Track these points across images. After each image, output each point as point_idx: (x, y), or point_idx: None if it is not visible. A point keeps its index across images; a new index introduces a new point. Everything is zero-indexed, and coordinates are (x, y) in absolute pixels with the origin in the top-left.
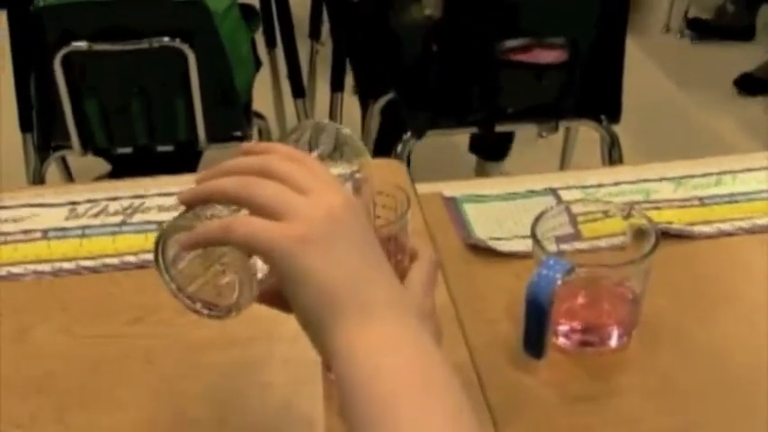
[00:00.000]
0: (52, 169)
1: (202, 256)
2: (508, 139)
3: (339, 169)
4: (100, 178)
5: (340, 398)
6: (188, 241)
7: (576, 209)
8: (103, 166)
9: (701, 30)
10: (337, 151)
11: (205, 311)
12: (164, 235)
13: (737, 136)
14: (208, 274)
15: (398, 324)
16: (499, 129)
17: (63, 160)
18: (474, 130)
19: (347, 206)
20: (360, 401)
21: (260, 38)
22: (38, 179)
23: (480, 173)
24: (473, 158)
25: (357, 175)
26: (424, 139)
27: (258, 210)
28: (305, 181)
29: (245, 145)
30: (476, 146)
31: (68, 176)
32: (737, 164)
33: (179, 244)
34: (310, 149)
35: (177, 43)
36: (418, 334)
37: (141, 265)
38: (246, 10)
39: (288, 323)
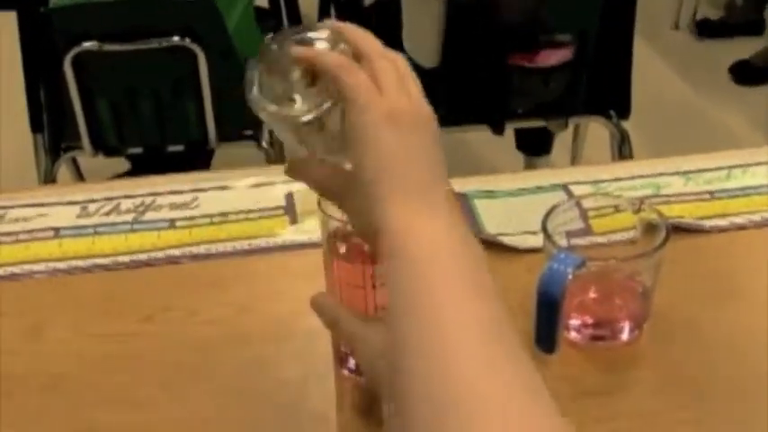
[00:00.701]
0: (63, 170)
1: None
2: (550, 134)
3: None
4: (117, 177)
5: (383, 276)
6: (304, 54)
7: (586, 204)
8: (114, 167)
9: (709, 26)
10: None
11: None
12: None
13: (747, 130)
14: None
15: (452, 224)
16: (509, 126)
17: (74, 161)
18: (485, 127)
19: (431, 117)
20: (401, 284)
21: None
22: (49, 180)
23: (529, 169)
24: (487, 156)
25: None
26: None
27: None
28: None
29: (336, 25)
30: (521, 144)
31: (79, 177)
32: (748, 158)
33: (294, 52)
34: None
35: (187, 43)
36: (469, 238)
37: (153, 264)
38: (259, 12)
39: (300, 321)
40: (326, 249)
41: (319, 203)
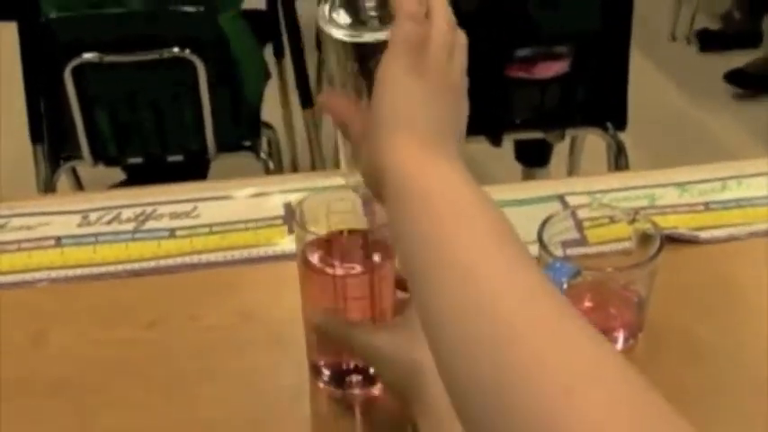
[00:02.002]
0: (62, 180)
1: None
2: (548, 145)
3: None
4: (113, 187)
5: (388, 214)
6: None
7: (581, 214)
8: (114, 177)
9: (707, 38)
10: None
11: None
12: None
13: (744, 142)
14: None
15: (463, 170)
16: (507, 138)
17: (73, 171)
18: (482, 138)
19: (462, 89)
20: (410, 217)
21: (268, 49)
22: (48, 190)
23: (527, 180)
24: (485, 167)
25: None
26: None
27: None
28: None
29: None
30: (520, 155)
31: (79, 187)
32: (743, 169)
33: None
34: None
35: (187, 54)
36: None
37: (154, 272)
38: (256, 21)
39: (299, 328)
40: (301, 262)
41: (296, 216)
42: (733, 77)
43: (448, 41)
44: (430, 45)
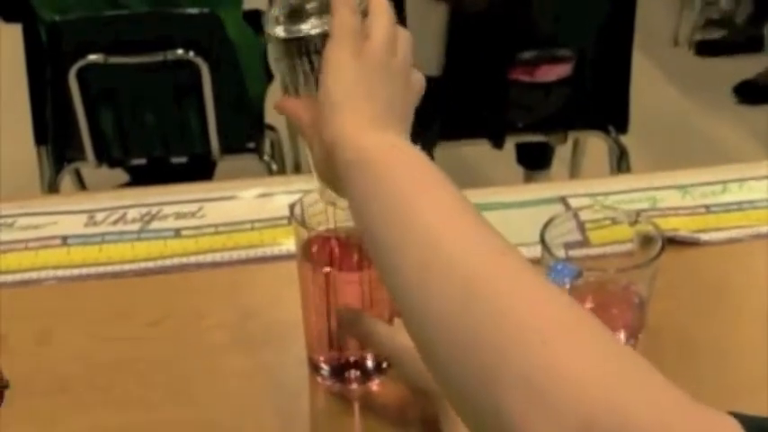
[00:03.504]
0: (66, 182)
1: None
2: (550, 148)
3: None
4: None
5: (345, 192)
6: None
7: (584, 216)
8: (117, 179)
9: (709, 42)
10: None
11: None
12: None
13: (745, 146)
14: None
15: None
16: (509, 141)
17: (77, 173)
18: (485, 141)
19: (406, 72)
20: (367, 189)
21: None
22: (52, 191)
23: (529, 182)
24: (487, 170)
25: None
26: (438, 149)
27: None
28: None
29: None
30: (522, 158)
31: (82, 189)
32: (743, 172)
33: None
34: None
35: (191, 56)
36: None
37: (159, 271)
38: (258, 22)
39: (302, 327)
40: (300, 259)
41: (295, 213)
42: (743, 89)
43: (390, 33)
44: (373, 35)
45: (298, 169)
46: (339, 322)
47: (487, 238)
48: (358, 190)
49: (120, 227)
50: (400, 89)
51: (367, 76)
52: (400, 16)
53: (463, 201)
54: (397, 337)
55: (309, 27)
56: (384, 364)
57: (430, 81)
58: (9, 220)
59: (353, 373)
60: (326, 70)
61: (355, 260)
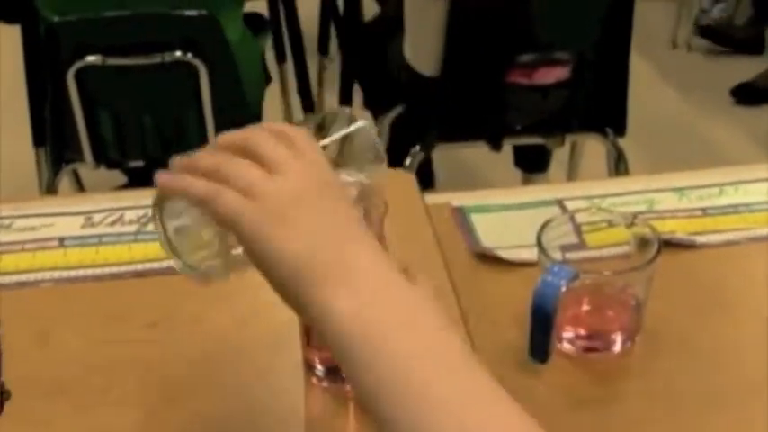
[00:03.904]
0: (64, 183)
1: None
2: (548, 151)
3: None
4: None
5: (336, 357)
6: (170, 184)
7: (580, 218)
8: (115, 180)
9: (708, 44)
10: (348, 143)
11: (187, 271)
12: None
13: (743, 149)
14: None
15: (386, 282)
16: (507, 143)
17: (75, 174)
18: (483, 144)
19: (321, 183)
20: (360, 365)
21: (269, 53)
22: (50, 193)
23: (526, 185)
24: (485, 172)
25: (365, 181)
26: (437, 151)
27: (232, 186)
28: (281, 158)
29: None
30: (519, 160)
31: (80, 190)
32: (740, 175)
33: (161, 186)
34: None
35: (189, 58)
36: (408, 290)
37: (157, 273)
38: (257, 24)
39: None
40: None
41: None
42: (740, 91)
43: (272, 147)
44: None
45: None
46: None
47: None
48: (350, 361)
49: (117, 228)
50: (332, 199)
51: (298, 229)
52: (400, 13)
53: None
54: None
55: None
56: None
57: (428, 83)
58: (6, 222)
59: None
60: (257, 262)
61: None
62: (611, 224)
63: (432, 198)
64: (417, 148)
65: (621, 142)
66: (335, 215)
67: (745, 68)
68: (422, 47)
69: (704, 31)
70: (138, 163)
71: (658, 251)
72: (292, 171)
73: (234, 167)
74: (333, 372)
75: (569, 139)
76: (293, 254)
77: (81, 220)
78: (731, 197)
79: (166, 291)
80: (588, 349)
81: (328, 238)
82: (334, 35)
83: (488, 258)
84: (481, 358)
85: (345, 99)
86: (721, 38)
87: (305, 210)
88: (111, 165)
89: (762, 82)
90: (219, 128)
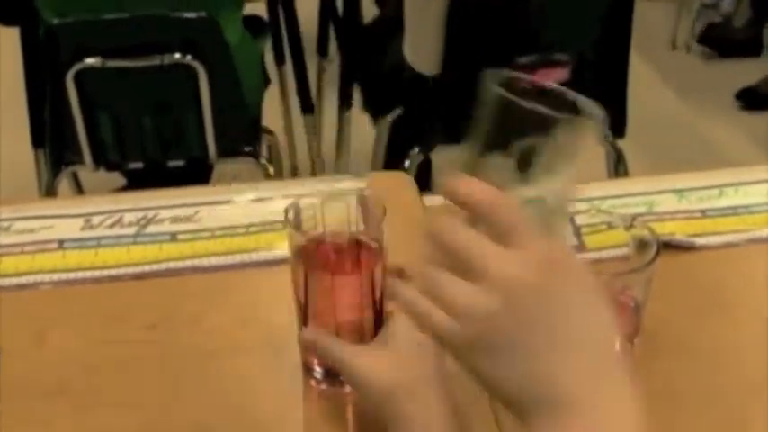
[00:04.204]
0: (63, 185)
1: None
2: None
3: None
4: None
5: None
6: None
7: (579, 220)
8: (115, 182)
9: (707, 46)
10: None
11: None
12: None
13: (744, 150)
14: None
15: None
16: None
17: (74, 176)
18: None
19: (529, 289)
20: None
21: (268, 55)
22: (50, 195)
23: None
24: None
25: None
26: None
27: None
28: (485, 265)
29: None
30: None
31: (80, 192)
32: (739, 177)
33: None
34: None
35: (188, 60)
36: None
37: (156, 275)
38: (256, 26)
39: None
40: (293, 263)
41: (289, 217)
42: (744, 96)
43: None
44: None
45: (294, 173)
46: (305, 345)
47: None
48: None
49: (116, 231)
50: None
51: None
52: (399, 15)
53: None
54: (354, 364)
55: None
56: None
57: (428, 84)
58: (5, 224)
59: None
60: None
61: (348, 264)
62: (610, 226)
63: (431, 199)
64: (417, 149)
65: (621, 143)
66: (550, 330)
67: (744, 69)
68: (422, 46)
69: (703, 38)
70: (138, 165)
71: (657, 253)
72: (498, 279)
73: (439, 290)
74: (331, 374)
75: None
76: (500, 382)
77: (80, 222)
78: (731, 199)
79: (165, 292)
80: None
81: (539, 370)
82: (333, 37)
83: None
84: None
85: (345, 101)
86: (720, 42)
87: (516, 328)
88: (110, 166)
89: (765, 87)
90: (218, 129)
